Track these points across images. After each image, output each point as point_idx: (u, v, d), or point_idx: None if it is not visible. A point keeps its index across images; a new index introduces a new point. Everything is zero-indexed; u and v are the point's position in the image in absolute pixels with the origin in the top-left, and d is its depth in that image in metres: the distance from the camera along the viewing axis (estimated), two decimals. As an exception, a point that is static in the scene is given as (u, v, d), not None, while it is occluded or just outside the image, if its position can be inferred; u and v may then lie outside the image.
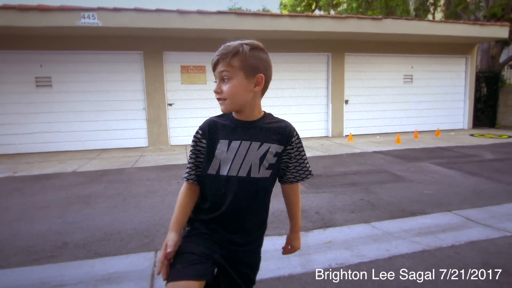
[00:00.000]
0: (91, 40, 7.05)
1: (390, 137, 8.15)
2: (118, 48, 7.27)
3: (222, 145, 1.15)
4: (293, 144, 1.21)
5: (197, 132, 1.21)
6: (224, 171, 1.15)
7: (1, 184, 4.59)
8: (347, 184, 4.30)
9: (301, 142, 1.25)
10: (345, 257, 2.43)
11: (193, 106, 7.76)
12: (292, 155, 1.22)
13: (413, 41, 8.59)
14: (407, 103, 9.20)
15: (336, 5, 19.37)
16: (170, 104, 7.71)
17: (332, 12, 19.23)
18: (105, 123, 7.44)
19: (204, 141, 1.18)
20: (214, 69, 1.15)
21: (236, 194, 1.14)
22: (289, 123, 1.24)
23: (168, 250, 1.08)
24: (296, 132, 1.23)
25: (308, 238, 2.76)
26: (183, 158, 6.21)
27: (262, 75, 1.12)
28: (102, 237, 2.79)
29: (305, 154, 1.26)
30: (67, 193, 4.11)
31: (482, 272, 2.18)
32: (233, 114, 1.20)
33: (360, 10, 15.42)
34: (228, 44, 1.13)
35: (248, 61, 1.10)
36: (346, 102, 8.70)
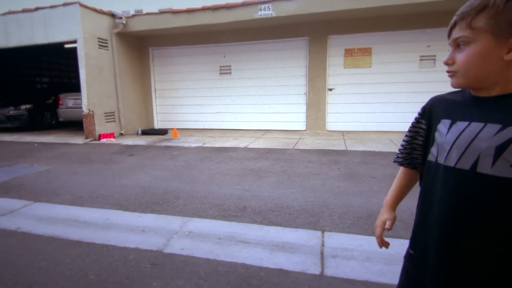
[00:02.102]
0: (263, 30, 7.78)
1: None
2: (286, 36, 7.74)
3: (442, 125, 0.91)
4: None
5: (418, 112, 1.04)
6: (441, 159, 0.88)
7: (195, 152, 5.80)
8: None
9: None
10: None
11: (353, 91, 7.47)
12: None
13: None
14: None
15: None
16: (330, 89, 7.68)
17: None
18: (269, 106, 8.19)
19: (423, 121, 1.01)
20: (449, 35, 0.88)
21: (450, 193, 0.84)
22: None
23: (387, 227, 1.07)
24: None
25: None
26: (341, 144, 6.11)
27: None
28: (274, 208, 3.07)
29: None
30: (242, 165, 4.77)
31: None
32: (473, 91, 0.90)
33: None
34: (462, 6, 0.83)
35: (501, 17, 0.78)
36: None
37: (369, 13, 6.63)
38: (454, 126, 0.87)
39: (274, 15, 6.85)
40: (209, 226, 2.73)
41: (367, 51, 7.27)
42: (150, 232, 2.64)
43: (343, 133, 7.36)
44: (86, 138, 7.43)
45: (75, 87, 8.27)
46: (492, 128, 0.80)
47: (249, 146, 6.16)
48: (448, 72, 0.89)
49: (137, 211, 3.09)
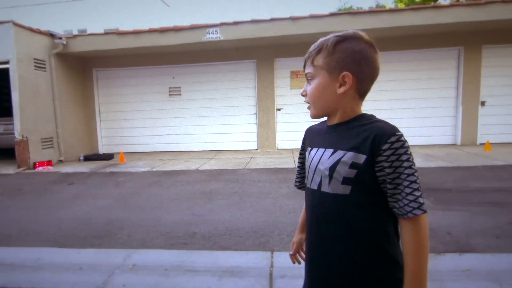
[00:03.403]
0: (213, 52, 7.90)
1: (547, 147, 6.45)
2: (235, 59, 7.93)
3: (307, 153, 1.07)
4: (386, 153, 0.83)
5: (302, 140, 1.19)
6: (308, 183, 1.05)
7: (143, 177, 5.56)
8: (488, 203, 3.58)
9: (407, 154, 0.83)
10: (492, 293, 2.00)
11: (301, 110, 7.82)
12: (388, 171, 0.84)
13: None
14: None
15: (467, -9, 16.58)
16: (279, 109, 7.96)
17: None
18: (221, 127, 8.21)
19: (302, 151, 1.16)
20: (303, 71, 1.05)
21: (314, 212, 1.00)
22: (385, 124, 0.88)
23: (291, 253, 1.24)
24: (396, 138, 0.83)
25: (440, 262, 2.39)
26: (291, 162, 6.30)
27: (348, 73, 0.90)
28: (224, 232, 3.04)
29: (410, 175, 0.82)
30: (192, 188, 4.67)
31: None
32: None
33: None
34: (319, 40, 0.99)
35: (331, 57, 0.92)
36: (483, 103, 7.30)
37: (311, 38, 7.08)
38: (310, 154, 1.03)
39: (222, 38, 7.01)
40: (155, 257, 2.61)
41: (311, 73, 7.72)
42: (89, 270, 2.44)
43: (292, 151, 7.61)
44: (19, 167, 6.74)
45: (7, 111, 7.54)
46: (328, 152, 0.95)
47: (200, 168, 6.08)
48: (307, 102, 1.02)
49: (75, 247, 2.84)
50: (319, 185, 0.96)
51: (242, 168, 5.93)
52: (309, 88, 0.98)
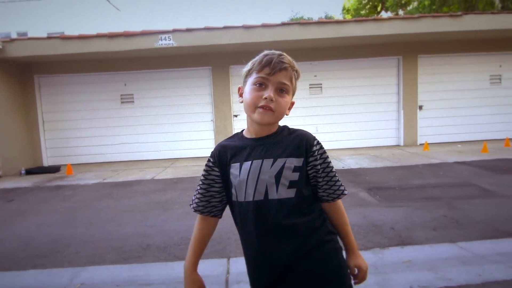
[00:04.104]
0: (167, 59, 7.75)
1: (475, 146, 7.26)
2: (190, 65, 7.86)
3: (234, 169, 1.04)
4: (315, 154, 1.04)
5: (208, 160, 1.11)
6: (241, 197, 1.03)
7: (93, 190, 5.26)
8: (426, 198, 3.94)
9: (326, 152, 1.08)
10: (428, 279, 2.22)
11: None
12: (319, 167, 1.05)
13: (501, 36, 7.59)
14: (495, 107, 8.11)
15: (405, 4, 18.16)
16: (236, 116, 8.03)
17: (400, 13, 18.10)
18: (177, 134, 8.06)
19: (216, 169, 1.08)
20: (271, 73, 0.99)
21: (259, 222, 1.01)
22: (305, 131, 1.10)
23: None
24: (317, 141, 1.06)
25: (384, 256, 2.58)
26: (249, 168, 6.37)
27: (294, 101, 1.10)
28: (180, 242, 2.99)
29: (333, 167, 1.09)
30: (147, 198, 4.52)
31: None
32: (245, 132, 1.11)
33: (434, 7, 14.20)
34: (283, 54, 1.03)
35: (295, 83, 1.07)
36: (420, 108, 8.02)
37: (265, 46, 7.26)
38: (242, 168, 1.02)
39: (175, 45, 6.91)
40: (105, 273, 2.49)
41: (266, 80, 7.91)
42: (30, 293, 2.26)
43: (250, 156, 7.70)
44: None
45: None
46: (267, 162, 1.01)
47: (156, 178, 5.90)
48: (265, 107, 0.99)
49: (14, 270, 2.61)
50: (265, 194, 1.00)
51: (200, 176, 5.86)
52: (283, 100, 1.02)
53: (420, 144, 7.83)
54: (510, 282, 2.14)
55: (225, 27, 6.87)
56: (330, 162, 1.08)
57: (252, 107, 1.01)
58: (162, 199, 4.43)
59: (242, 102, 1.07)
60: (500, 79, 8.11)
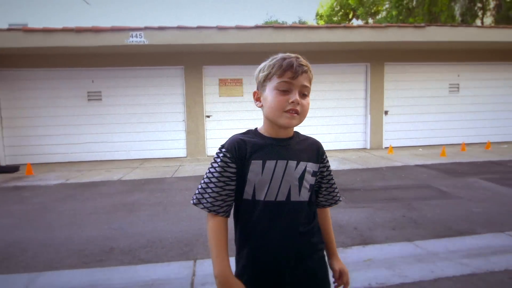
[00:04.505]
0: (138, 56, 7.56)
1: (435, 150, 7.71)
2: (161, 64, 7.72)
3: (255, 166, 1.00)
4: (325, 162, 1.14)
5: (223, 155, 1.02)
6: (260, 196, 1.01)
7: (55, 191, 5.02)
8: (388, 199, 4.14)
9: (329, 162, 1.17)
10: (386, 276, 2.33)
11: (230, 117, 7.97)
12: (325, 174, 1.14)
13: (460, 48, 8.14)
14: (453, 114, 8.67)
15: (375, 13, 18.95)
16: (208, 116, 7.98)
17: (370, 21, 18.84)
18: (147, 134, 7.87)
19: (233, 165, 1.01)
20: (294, 76, 0.98)
21: (276, 221, 1.01)
22: (314, 139, 1.16)
23: None
24: (324, 150, 1.15)
25: (346, 255, 2.68)
26: (220, 169, 6.35)
27: None
28: (145, 244, 2.93)
29: (333, 176, 1.18)
30: (113, 200, 4.39)
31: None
32: (263, 130, 1.08)
33: (401, 17, 14.94)
34: (300, 57, 1.03)
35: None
36: (386, 113, 8.40)
37: (238, 48, 7.30)
38: (265, 166, 1.00)
39: (146, 43, 6.76)
40: (64, 278, 2.39)
41: (238, 82, 7.94)
42: (-21, 301, 2.13)
43: (222, 157, 7.68)
44: None
45: None
46: (292, 163, 1.03)
47: (123, 178, 5.73)
48: (291, 111, 0.99)
49: (-38, 277, 2.44)
50: (288, 195, 1.02)
51: (169, 177, 5.77)
52: (305, 101, 1.02)
53: (385, 148, 8.19)
54: (459, 278, 2.30)
55: (199, 27, 6.82)
56: (331, 171, 1.18)
57: (279, 112, 0.99)
58: (129, 201, 4.32)
59: (261, 106, 1.06)
60: (458, 87, 8.68)
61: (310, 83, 1.03)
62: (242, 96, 7.94)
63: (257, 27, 6.95)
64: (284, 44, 6.98)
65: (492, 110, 8.81)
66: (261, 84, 1.05)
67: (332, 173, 1.17)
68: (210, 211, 1.00)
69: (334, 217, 3.53)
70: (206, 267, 2.50)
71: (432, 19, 13.05)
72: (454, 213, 3.56)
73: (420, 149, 8.01)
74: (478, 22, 13.14)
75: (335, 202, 1.18)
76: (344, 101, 8.29)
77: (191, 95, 7.82)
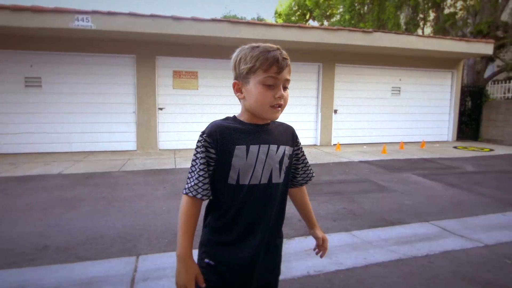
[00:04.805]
0: (84, 42, 7.06)
1: (377, 147, 8.31)
2: (111, 51, 7.29)
3: (239, 151, 1.03)
4: (299, 145, 1.22)
5: (204, 140, 1.03)
6: (244, 180, 1.04)
7: (-16, 185, 4.53)
8: (332, 193, 4.38)
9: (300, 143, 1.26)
10: (323, 264, 2.49)
11: (184, 111, 7.80)
12: (300, 155, 1.23)
13: (402, 54, 8.83)
14: (394, 115, 9.40)
15: (330, 16, 19.73)
16: (161, 109, 7.73)
17: (325, 23, 19.57)
18: (93, 125, 7.41)
19: (212, 150, 1.03)
20: (279, 72, 1.01)
21: (260, 205, 1.07)
22: (289, 124, 1.24)
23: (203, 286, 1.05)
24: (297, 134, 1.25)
25: (289, 246, 2.81)
26: (171, 163, 6.22)
27: None
28: (84, 241, 2.79)
29: (305, 155, 1.28)
30: (50, 195, 4.08)
31: (451, 281, 2.26)
32: (243, 118, 1.10)
33: (353, 22, 15.73)
34: (280, 49, 1.05)
35: None
36: (335, 111, 8.85)
37: (194, 40, 7.15)
38: (250, 150, 1.04)
39: (94, 28, 6.34)
40: (-13, 279, 2.19)
41: (194, 74, 7.79)
42: None
43: (174, 151, 7.51)
44: None
45: None
46: (273, 147, 1.08)
47: (64, 172, 5.35)
48: (277, 105, 1.03)
49: None
50: (269, 178, 1.07)
51: (116, 171, 5.51)
52: (286, 94, 1.06)
53: (334, 145, 8.64)
54: (387, 263, 2.53)
55: (153, 15, 6.56)
56: (304, 151, 1.26)
57: (265, 107, 1.03)
58: (69, 196, 4.05)
59: (242, 98, 1.07)
60: (399, 91, 9.42)
61: (290, 75, 1.07)
62: (197, 89, 7.81)
63: (213, 20, 6.88)
64: (241, 39, 6.98)
65: (427, 112, 9.71)
66: (244, 76, 1.04)
67: (305, 155, 1.26)
68: (187, 193, 1.04)
69: (281, 210, 3.66)
70: (149, 263, 2.45)
71: (381, 26, 13.95)
72: (388, 205, 3.89)
73: (365, 147, 8.57)
74: (420, 31, 14.33)
75: (310, 179, 1.29)
76: (297, 99, 8.56)
77: (143, 86, 7.51)
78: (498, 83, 10.61)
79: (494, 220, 3.49)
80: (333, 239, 2.97)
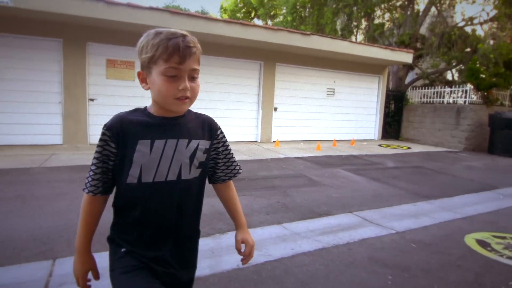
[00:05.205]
0: (2, 21, 6.18)
1: (312, 145, 8.80)
2: (34, 33, 6.50)
3: (142, 146, 0.96)
4: (219, 138, 1.13)
5: (103, 134, 0.97)
6: (148, 178, 0.98)
7: None
8: (267, 187, 4.53)
9: (225, 137, 1.17)
10: (254, 256, 2.57)
11: (119, 103, 7.32)
12: (220, 150, 1.14)
13: (337, 58, 9.45)
14: (328, 114, 10.05)
15: (274, 16, 20.20)
16: (92, 100, 7.16)
17: (269, 23, 19.99)
18: (11, 115, 6.55)
19: (113, 144, 0.97)
20: (181, 62, 0.92)
21: (169, 202, 1.01)
22: (210, 116, 1.15)
23: (96, 279, 1.08)
24: (220, 127, 1.15)
25: (222, 240, 2.84)
26: (103, 158, 5.81)
27: None
28: (-12, 246, 2.47)
29: (231, 149, 1.19)
30: (-50, 195, 3.53)
31: (366, 265, 2.52)
32: (152, 110, 1.02)
33: (295, 24, 16.33)
34: (187, 35, 0.96)
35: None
36: (275, 109, 9.14)
37: (130, 27, 6.73)
38: (154, 146, 0.97)
39: (10, 4, 5.59)
40: None
41: (130, 64, 7.35)
42: None
43: (107, 146, 7.03)
44: None
45: None
46: (183, 142, 1.02)
47: (-31, 168, 4.65)
48: (183, 98, 0.96)
49: None
50: (179, 174, 1.01)
51: (36, 167, 4.97)
52: (195, 85, 0.98)
53: (273, 141, 8.93)
54: (312, 252, 2.71)
55: (81, -3, 6.01)
56: (229, 145, 1.19)
57: (169, 99, 0.95)
58: (-27, 195, 3.54)
59: (148, 89, 1.00)
60: (334, 92, 10.08)
61: (199, 64, 0.98)
62: (134, 80, 7.39)
63: (151, 8, 6.56)
64: (179, 30, 6.80)
65: (357, 113, 10.58)
66: (146, 66, 0.97)
67: (229, 148, 1.18)
68: (89, 192, 1.02)
69: (216, 205, 3.68)
70: (67, 266, 2.27)
71: (320, 30, 14.73)
72: (318, 198, 4.16)
73: (302, 144, 9.02)
74: (353, 38, 15.47)
75: (234, 175, 1.22)
76: (239, 96, 8.64)
77: (70, 74, 6.85)
78: (416, 89, 12.00)
79: (406, 209, 3.96)
80: (264, 232, 3.08)
